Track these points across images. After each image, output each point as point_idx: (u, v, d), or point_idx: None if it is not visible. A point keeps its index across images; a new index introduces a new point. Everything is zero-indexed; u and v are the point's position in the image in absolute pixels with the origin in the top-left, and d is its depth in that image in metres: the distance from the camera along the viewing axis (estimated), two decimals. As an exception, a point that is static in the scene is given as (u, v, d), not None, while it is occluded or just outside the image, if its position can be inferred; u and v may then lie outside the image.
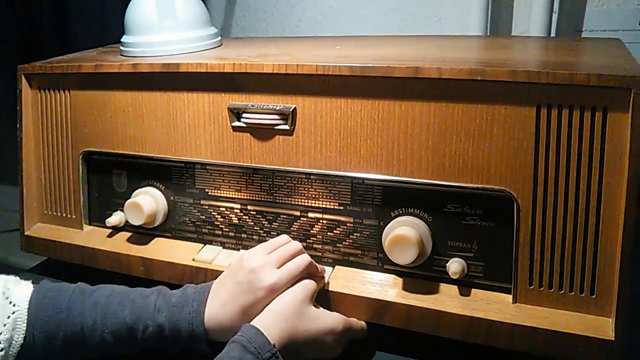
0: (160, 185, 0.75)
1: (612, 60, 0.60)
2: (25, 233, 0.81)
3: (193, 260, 0.71)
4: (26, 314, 0.58)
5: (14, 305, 0.57)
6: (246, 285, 0.57)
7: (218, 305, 0.57)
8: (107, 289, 0.60)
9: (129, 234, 0.78)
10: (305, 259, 0.60)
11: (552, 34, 0.94)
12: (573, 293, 0.57)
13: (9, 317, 0.56)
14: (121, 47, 0.80)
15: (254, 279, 0.57)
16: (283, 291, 0.57)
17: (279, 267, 0.59)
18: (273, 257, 0.59)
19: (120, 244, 0.76)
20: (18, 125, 0.80)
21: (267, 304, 0.57)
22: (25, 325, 0.57)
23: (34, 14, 1.17)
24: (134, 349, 0.58)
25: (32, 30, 1.18)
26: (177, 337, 0.57)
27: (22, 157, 0.80)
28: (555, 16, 0.94)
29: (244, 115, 0.67)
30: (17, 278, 0.61)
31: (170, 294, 0.59)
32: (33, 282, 0.62)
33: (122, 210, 0.76)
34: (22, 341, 0.57)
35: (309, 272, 0.60)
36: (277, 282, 0.57)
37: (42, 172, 0.81)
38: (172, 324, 0.56)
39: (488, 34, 0.98)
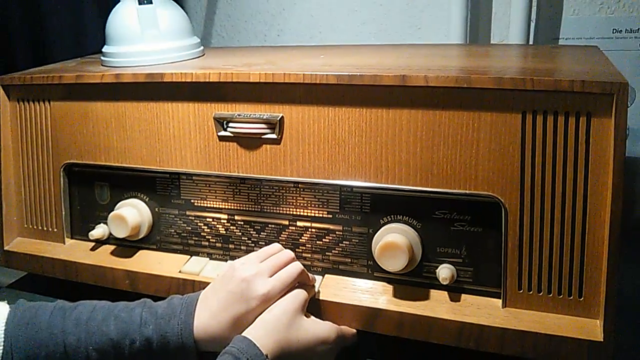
0: (144, 197, 0.74)
1: (593, 67, 0.62)
2: (5, 248, 0.79)
3: (180, 272, 0.70)
4: (2, 335, 0.55)
5: None
6: (239, 294, 0.56)
7: (208, 316, 0.56)
8: (89, 304, 0.59)
9: (112, 247, 0.76)
10: (297, 267, 0.60)
11: (530, 42, 0.96)
12: (561, 296, 0.57)
13: None
14: (102, 58, 0.78)
15: (247, 288, 0.56)
16: (276, 300, 0.57)
17: (271, 276, 0.58)
18: (265, 266, 0.59)
19: (104, 258, 0.75)
20: (-4, 138, 0.78)
21: (260, 314, 0.56)
22: (1, 347, 0.55)
23: (7, 25, 1.15)
24: None
25: (4, 41, 1.15)
26: (166, 350, 0.55)
27: (1, 170, 0.78)
28: (532, 25, 0.96)
29: (231, 124, 0.66)
30: None
31: (156, 305, 0.58)
32: (9, 303, 0.59)
33: (105, 223, 0.75)
34: None
35: (300, 281, 0.60)
36: (270, 291, 0.57)
37: (22, 185, 0.79)
38: (160, 336, 0.55)
39: (467, 42, 1.00)
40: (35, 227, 0.79)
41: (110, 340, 0.55)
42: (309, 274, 0.62)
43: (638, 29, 0.91)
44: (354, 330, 0.62)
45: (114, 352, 0.55)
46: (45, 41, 1.14)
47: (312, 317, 0.60)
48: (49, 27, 1.13)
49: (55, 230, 0.78)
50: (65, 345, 0.55)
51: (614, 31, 0.92)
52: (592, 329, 0.56)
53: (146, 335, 0.55)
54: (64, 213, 0.77)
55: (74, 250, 0.77)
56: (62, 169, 0.76)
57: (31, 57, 1.14)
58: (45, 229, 0.79)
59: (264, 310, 0.56)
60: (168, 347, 0.55)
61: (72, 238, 0.79)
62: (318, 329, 0.58)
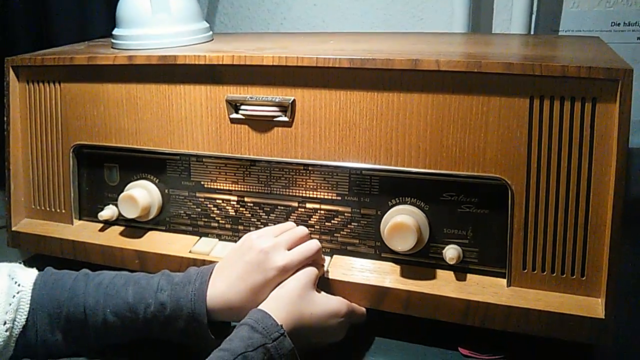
0: (154, 178, 0.75)
1: (597, 55, 0.64)
2: (13, 228, 0.80)
3: (190, 252, 0.72)
4: (30, 294, 0.58)
5: (19, 285, 0.58)
6: (256, 265, 0.58)
7: (224, 285, 0.58)
8: (112, 272, 0.61)
9: (121, 228, 0.77)
10: (315, 243, 0.62)
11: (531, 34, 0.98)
12: (564, 275, 0.59)
13: (14, 296, 0.57)
14: (113, 40, 0.79)
15: (265, 259, 0.58)
16: (293, 273, 0.58)
17: (288, 250, 0.60)
18: (283, 239, 0.60)
19: (113, 238, 0.76)
20: (5, 119, 0.78)
21: (276, 285, 0.58)
22: (28, 306, 0.58)
23: (10, 9, 1.14)
24: (137, 331, 0.58)
25: (7, 25, 1.15)
26: (179, 316, 0.56)
27: (9, 151, 0.78)
28: (533, 17, 0.98)
29: (243, 107, 0.67)
30: (22, 265, 0.62)
31: (174, 274, 0.60)
32: (38, 269, 0.62)
33: (114, 204, 0.76)
34: (24, 322, 0.57)
35: (314, 259, 0.61)
36: (288, 264, 0.58)
37: (31, 166, 0.79)
38: (173, 301, 0.57)
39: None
40: (43, 208, 0.80)
41: (127, 303, 0.57)
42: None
43: (636, 22, 0.93)
44: (364, 309, 0.64)
45: (129, 315, 0.57)
46: (49, 25, 1.14)
47: (323, 292, 0.62)
48: (52, 12, 1.13)
49: (64, 211, 0.79)
50: (85, 307, 0.57)
51: (613, 24, 0.95)
52: (594, 306, 0.58)
53: (161, 301, 0.57)
54: (72, 194, 0.78)
55: (82, 231, 0.78)
56: (71, 150, 0.77)
57: (34, 41, 1.14)
58: (53, 209, 0.80)
59: (280, 282, 0.58)
60: (181, 313, 0.56)
61: (80, 219, 0.80)
62: (329, 302, 0.60)
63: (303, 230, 0.63)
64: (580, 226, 0.58)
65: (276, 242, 0.60)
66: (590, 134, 0.56)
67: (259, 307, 0.55)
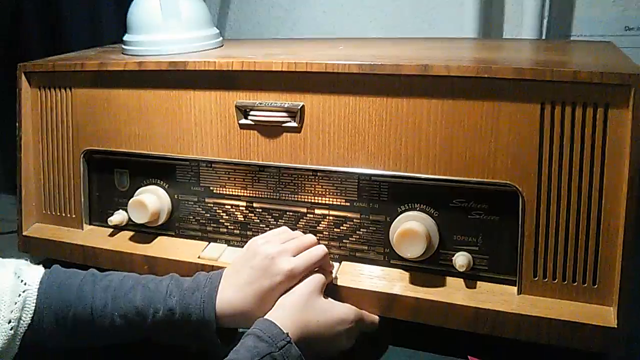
0: (164, 184, 0.75)
1: (610, 60, 0.63)
2: (24, 233, 0.80)
3: (198, 257, 0.72)
4: (36, 293, 0.58)
5: (25, 284, 0.58)
6: (262, 270, 0.58)
7: (232, 291, 0.57)
8: (120, 274, 0.61)
9: (131, 233, 0.78)
10: (322, 249, 0.61)
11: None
12: (576, 283, 0.59)
13: (19, 295, 0.57)
14: (123, 46, 0.80)
15: (271, 264, 0.58)
16: (300, 278, 0.58)
17: (294, 256, 0.59)
18: (289, 246, 0.60)
19: (123, 243, 0.76)
20: (17, 124, 0.79)
21: (284, 291, 0.57)
22: (34, 305, 0.57)
23: (22, 15, 1.16)
24: (144, 333, 0.58)
25: (20, 31, 1.16)
26: (188, 322, 0.56)
27: (21, 156, 0.79)
28: (545, 22, 0.97)
29: (252, 112, 0.67)
30: (29, 262, 0.62)
31: (183, 279, 0.60)
32: (45, 267, 0.62)
33: (124, 209, 0.76)
34: (29, 321, 0.57)
35: (321, 265, 0.61)
36: (294, 269, 0.58)
37: (42, 171, 0.80)
38: (183, 307, 0.56)
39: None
40: (53, 212, 0.81)
41: (135, 307, 0.57)
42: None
43: (650, 27, 0.92)
44: (376, 317, 0.63)
45: (137, 319, 0.57)
46: (62, 31, 1.15)
47: (330, 299, 0.62)
48: (64, 17, 1.14)
49: (74, 216, 0.80)
50: (92, 308, 0.57)
51: (626, 29, 0.94)
52: (606, 315, 0.57)
53: (170, 306, 0.56)
54: (82, 199, 0.79)
55: (92, 236, 0.78)
56: (82, 156, 0.77)
57: (47, 47, 1.15)
58: (63, 214, 0.80)
59: (287, 288, 0.58)
60: (190, 319, 0.56)
61: (90, 224, 0.80)
62: (336, 309, 0.59)
63: (310, 237, 0.63)
64: (592, 233, 0.57)
65: (282, 248, 0.59)
66: (602, 140, 0.56)
67: (265, 317, 0.55)
